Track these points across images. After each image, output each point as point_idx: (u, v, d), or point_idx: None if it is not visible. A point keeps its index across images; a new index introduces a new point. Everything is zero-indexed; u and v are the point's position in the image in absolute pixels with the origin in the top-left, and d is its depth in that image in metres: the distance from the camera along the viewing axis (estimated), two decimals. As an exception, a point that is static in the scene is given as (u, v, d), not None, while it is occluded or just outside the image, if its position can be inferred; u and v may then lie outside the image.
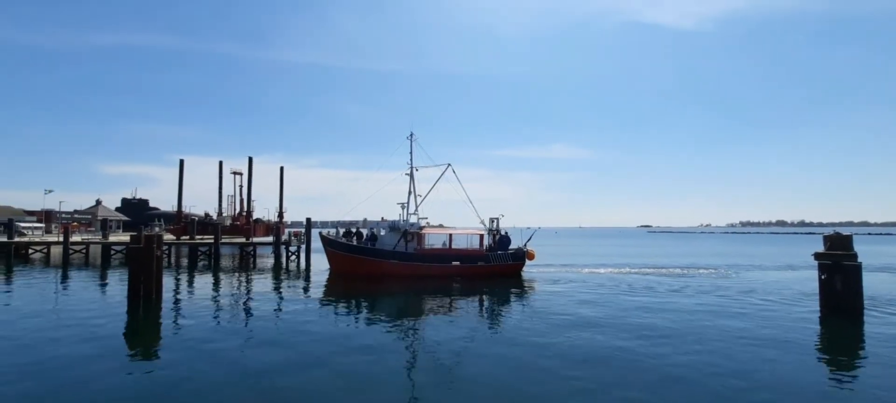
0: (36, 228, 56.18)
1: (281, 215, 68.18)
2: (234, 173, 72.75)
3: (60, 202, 72.05)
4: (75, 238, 42.10)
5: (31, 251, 40.89)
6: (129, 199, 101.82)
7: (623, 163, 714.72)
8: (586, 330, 13.53)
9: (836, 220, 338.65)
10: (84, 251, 40.01)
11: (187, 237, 46.62)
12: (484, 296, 20.69)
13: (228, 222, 63.60)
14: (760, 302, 18.72)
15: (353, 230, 30.02)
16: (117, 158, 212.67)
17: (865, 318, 15.01)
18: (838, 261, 15.62)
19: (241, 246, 42.18)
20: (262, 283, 25.19)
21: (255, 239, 46.34)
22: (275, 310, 17.25)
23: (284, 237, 42.23)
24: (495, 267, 27.22)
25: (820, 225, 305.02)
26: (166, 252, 36.82)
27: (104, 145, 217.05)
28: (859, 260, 15.62)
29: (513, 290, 22.18)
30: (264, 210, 74.65)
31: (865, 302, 15.93)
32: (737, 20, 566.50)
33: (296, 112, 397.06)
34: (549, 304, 18.14)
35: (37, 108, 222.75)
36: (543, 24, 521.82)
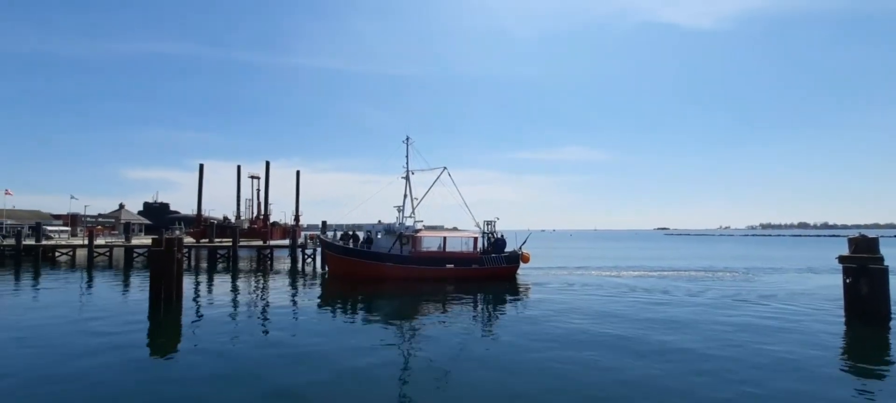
0: (62, 231, 57.96)
1: (297, 218, 69.01)
2: (252, 177, 73.98)
3: (85, 206, 74.26)
4: (99, 241, 43.29)
5: (57, 253, 42.17)
6: (151, 203, 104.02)
7: (639, 164, 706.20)
8: (587, 337, 13.42)
9: (861, 222, 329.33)
10: (107, 253, 41.09)
11: (206, 240, 47.55)
12: (477, 299, 20.71)
13: (246, 225, 64.66)
14: (781, 307, 18.21)
15: (350, 233, 30.59)
16: (139, 163, 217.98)
17: (892, 324, 14.52)
18: (864, 264, 15.18)
19: (259, 248, 42.85)
20: (279, 285, 25.56)
21: (272, 242, 47.01)
22: (289, 313, 17.48)
23: (300, 240, 42.75)
24: (489, 270, 27.31)
25: (844, 227, 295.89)
26: (186, 254, 37.63)
27: (127, 151, 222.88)
28: (886, 263, 15.14)
29: (507, 293, 22.15)
30: (281, 213, 75.73)
31: (892, 307, 15.48)
32: (755, 18, 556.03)
33: (312, 116, 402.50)
34: (543, 309, 17.97)
35: (64, 116, 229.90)
36: (558, 26, 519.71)
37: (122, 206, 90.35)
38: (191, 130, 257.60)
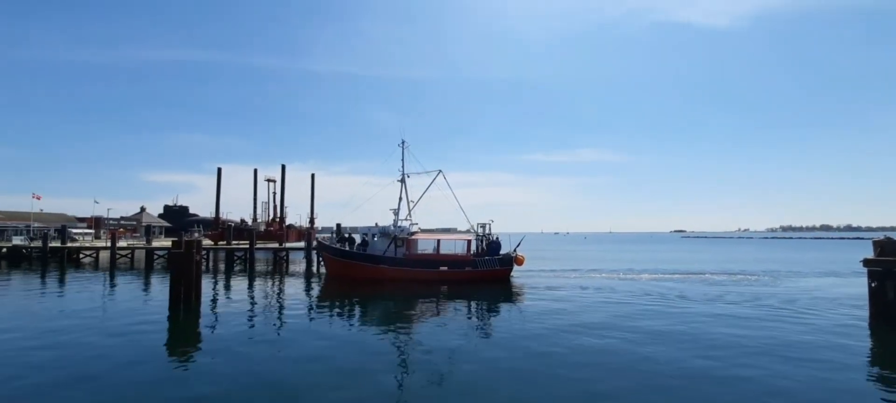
0: (86, 234, 59.56)
1: (312, 221, 69.64)
2: (268, 180, 74.86)
3: (108, 209, 76.15)
4: (121, 243, 44.36)
5: (81, 255, 43.36)
6: (171, 206, 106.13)
7: (654, 166, 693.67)
8: (589, 336, 13.30)
9: (887, 224, 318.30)
10: (129, 255, 42.08)
11: (224, 242, 48.35)
12: (470, 301, 20.78)
13: (263, 228, 65.46)
14: (803, 312, 17.67)
15: (347, 235, 31.07)
16: (160, 167, 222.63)
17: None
18: (890, 268, 14.75)
19: (275, 251, 43.35)
20: (294, 287, 25.89)
21: (288, 245, 47.52)
22: (301, 314, 17.71)
23: (315, 242, 43.14)
24: (482, 272, 27.35)
25: (868, 229, 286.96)
26: (205, 256, 38.30)
27: (148, 155, 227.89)
28: (913, 267, 14.72)
29: (500, 295, 22.18)
30: (296, 216, 76.33)
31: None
32: (773, 17, 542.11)
33: (327, 120, 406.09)
34: (544, 312, 17.83)
35: (88, 122, 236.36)
36: (571, 27, 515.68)
37: (143, 209, 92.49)
38: (210, 134, 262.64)
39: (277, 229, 63.69)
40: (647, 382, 9.53)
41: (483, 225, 29.55)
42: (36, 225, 58.40)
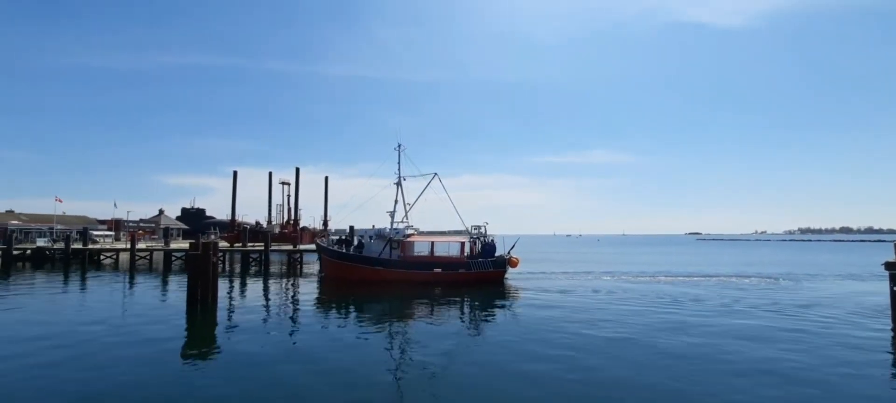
0: (107, 236, 61.02)
1: (325, 223, 70.27)
2: (283, 183, 75.71)
3: (128, 212, 77.89)
4: (141, 245, 45.34)
5: (102, 257, 44.43)
6: (188, 209, 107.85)
7: (669, 168, 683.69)
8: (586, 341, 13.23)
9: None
10: (148, 257, 42.99)
11: (240, 244, 49.08)
12: (464, 302, 20.89)
13: (277, 230, 66.23)
14: (822, 317, 17.26)
15: (344, 237, 31.53)
16: (178, 170, 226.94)
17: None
18: (912, 272, 14.44)
19: (289, 253, 43.88)
20: (307, 289, 26.19)
21: (302, 247, 48.04)
22: (315, 315, 17.95)
23: (315, 245, 43.61)
24: (476, 274, 27.47)
25: (890, 231, 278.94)
26: (221, 258, 38.95)
27: (166, 158, 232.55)
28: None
29: (494, 298, 22.19)
30: (310, 218, 77.25)
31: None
32: (788, 16, 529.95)
33: (340, 123, 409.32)
34: (539, 316, 17.79)
35: (109, 127, 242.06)
36: (582, 28, 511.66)
37: (161, 212, 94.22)
38: (226, 138, 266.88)
39: (291, 231, 64.41)
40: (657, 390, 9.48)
41: (477, 228, 29.80)
42: (59, 227, 59.98)
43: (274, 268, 39.05)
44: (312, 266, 41.16)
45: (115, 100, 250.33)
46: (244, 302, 21.39)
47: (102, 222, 76.11)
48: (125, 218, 75.65)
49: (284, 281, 30.47)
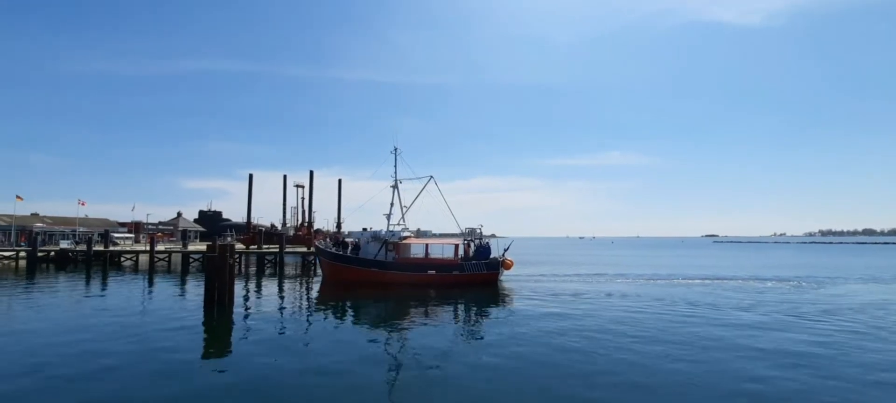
0: (127, 238, 62.44)
1: (339, 225, 70.91)
2: (297, 186, 76.69)
3: (147, 214, 79.53)
4: (159, 247, 46.33)
5: (122, 259, 45.52)
6: (205, 211, 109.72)
7: (685, 169, 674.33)
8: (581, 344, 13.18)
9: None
10: (166, 259, 43.93)
11: (255, 246, 49.85)
12: (458, 304, 21.08)
13: (292, 232, 67.07)
14: (844, 323, 16.81)
15: (342, 239, 32.16)
16: (195, 174, 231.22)
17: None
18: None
19: (303, 255, 44.43)
20: (315, 290, 26.54)
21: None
22: (326, 316, 18.19)
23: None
24: (469, 276, 27.56)
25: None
26: (237, 260, 39.62)
27: (184, 162, 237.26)
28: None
29: (488, 299, 22.33)
30: (324, 221, 77.96)
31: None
32: (808, 13, 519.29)
33: (353, 127, 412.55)
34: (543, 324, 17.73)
35: (128, 131, 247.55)
36: (597, 30, 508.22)
37: (179, 215, 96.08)
38: (242, 142, 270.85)
39: (306, 233, 65.17)
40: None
41: (472, 230, 30.00)
42: (81, 229, 61.55)
43: (288, 270, 39.58)
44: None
45: (134, 105, 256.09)
46: (260, 303, 21.77)
47: (123, 224, 77.87)
48: (145, 221, 77.33)
49: (299, 283, 30.93)
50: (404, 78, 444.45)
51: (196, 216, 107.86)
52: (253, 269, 40.52)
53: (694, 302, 21.33)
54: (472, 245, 29.08)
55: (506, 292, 25.00)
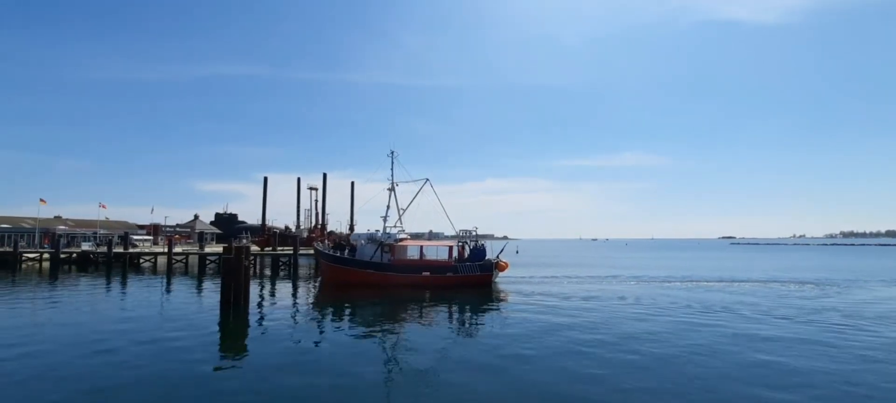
0: (145, 240, 63.77)
1: (351, 227, 71.54)
2: (311, 188, 77.57)
3: (165, 217, 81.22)
4: (177, 249, 47.19)
5: (141, 260, 46.49)
6: (221, 214, 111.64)
7: (701, 170, 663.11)
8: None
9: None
10: (184, 260, 44.72)
11: (270, 248, 50.49)
12: (452, 305, 21.17)
13: (306, 234, 67.78)
14: (866, 329, 16.37)
15: (340, 242, 32.17)
16: (212, 177, 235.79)
17: None
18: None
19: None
20: (332, 292, 26.78)
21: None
22: (336, 317, 18.38)
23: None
24: (463, 278, 27.67)
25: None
26: (252, 262, 40.19)
27: (201, 166, 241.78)
28: None
29: (483, 301, 22.39)
30: (337, 223, 78.57)
31: None
32: (825, 10, 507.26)
33: (366, 129, 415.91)
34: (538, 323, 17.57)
35: (147, 135, 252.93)
36: (610, 30, 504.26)
37: (196, 217, 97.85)
38: (257, 145, 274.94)
39: (319, 235, 65.84)
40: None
41: (467, 232, 30.10)
42: (102, 232, 63.03)
43: (302, 272, 39.99)
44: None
45: (152, 110, 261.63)
46: (274, 303, 22.08)
47: (142, 227, 79.56)
48: (163, 224, 78.87)
49: (312, 284, 31.24)
50: (416, 81, 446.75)
51: (212, 218, 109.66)
52: (268, 271, 41.01)
53: (708, 305, 21.00)
54: (466, 246, 29.23)
55: (499, 293, 25.14)
